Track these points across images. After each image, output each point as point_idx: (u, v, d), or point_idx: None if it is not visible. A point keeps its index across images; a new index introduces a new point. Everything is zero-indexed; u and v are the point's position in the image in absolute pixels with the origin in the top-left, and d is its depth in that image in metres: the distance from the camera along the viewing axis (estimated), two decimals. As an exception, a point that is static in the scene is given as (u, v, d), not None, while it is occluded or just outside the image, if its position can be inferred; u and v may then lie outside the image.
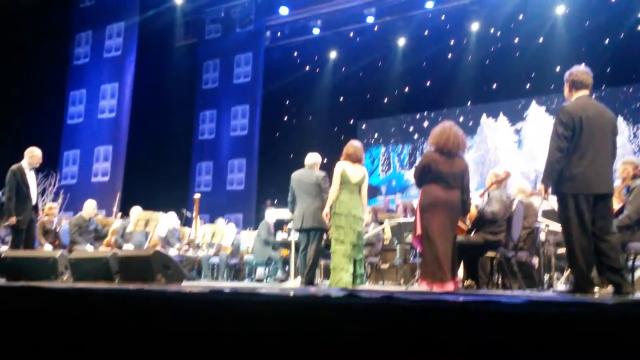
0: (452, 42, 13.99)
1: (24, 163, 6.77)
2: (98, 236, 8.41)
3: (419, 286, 4.83)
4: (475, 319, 1.38)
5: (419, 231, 4.76)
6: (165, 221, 8.58)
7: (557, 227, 5.17)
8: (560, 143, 3.86)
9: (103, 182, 13.31)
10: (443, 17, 13.78)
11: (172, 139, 14.62)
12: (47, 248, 7.78)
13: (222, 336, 1.84)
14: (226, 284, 7.35)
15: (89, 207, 8.21)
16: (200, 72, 15.57)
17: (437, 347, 1.39)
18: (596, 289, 3.78)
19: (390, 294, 2.06)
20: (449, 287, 4.51)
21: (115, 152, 13.39)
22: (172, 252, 8.57)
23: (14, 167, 6.72)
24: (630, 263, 4.37)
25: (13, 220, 6.50)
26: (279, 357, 1.75)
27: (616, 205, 4.59)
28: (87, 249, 7.80)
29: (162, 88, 14.25)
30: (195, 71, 15.60)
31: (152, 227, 7.97)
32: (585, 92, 4.05)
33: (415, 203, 8.95)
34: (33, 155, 6.80)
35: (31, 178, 6.79)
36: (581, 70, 4.10)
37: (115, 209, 10.16)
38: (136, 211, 8.34)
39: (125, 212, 9.83)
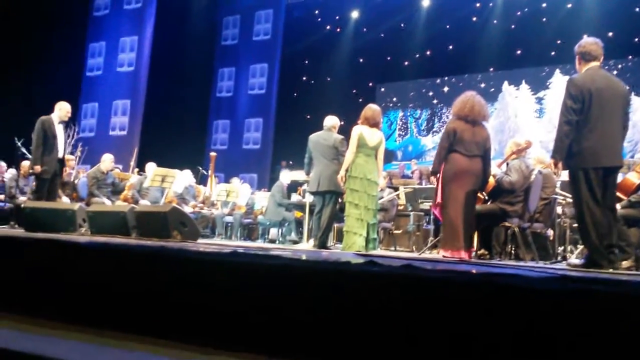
0: (478, 5, 13.64)
1: (54, 116, 6.86)
2: (115, 190, 8.49)
3: (438, 254, 4.86)
4: (497, 291, 1.38)
5: (439, 199, 4.78)
6: (182, 178, 8.63)
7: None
8: (570, 116, 3.80)
9: (121, 136, 13.38)
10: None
11: (190, 95, 14.57)
12: (65, 200, 7.89)
13: (238, 299, 1.86)
14: (239, 244, 7.42)
15: (107, 160, 8.29)
16: (220, 28, 15.40)
17: (457, 319, 1.40)
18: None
19: (407, 262, 2.06)
20: (464, 255, 4.58)
21: (133, 107, 13.42)
22: (187, 209, 8.65)
23: (43, 117, 6.78)
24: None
25: (38, 168, 6.57)
26: (296, 322, 1.76)
27: (637, 179, 4.52)
28: (105, 202, 7.89)
29: (182, 43, 14.13)
30: (215, 27, 15.43)
31: (169, 184, 8.02)
32: (595, 64, 3.96)
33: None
34: (62, 108, 6.91)
35: (59, 130, 6.86)
36: (590, 41, 4.00)
37: (132, 163, 10.24)
38: (151, 167, 8.39)
39: (142, 167, 9.90)
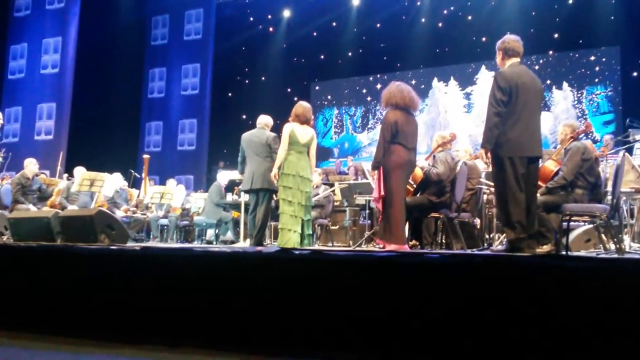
0: (406, 3, 13.95)
1: None
2: (42, 196, 8.16)
3: (375, 247, 4.91)
4: (390, 270, 1.46)
5: (382, 192, 4.82)
6: (112, 181, 8.38)
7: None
8: (499, 107, 3.99)
9: (47, 141, 12.86)
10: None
11: (119, 97, 14.14)
12: (-13, 208, 7.52)
13: (156, 290, 1.84)
14: (174, 246, 7.30)
15: (30, 164, 7.95)
16: (148, 27, 15.03)
17: (357, 293, 1.47)
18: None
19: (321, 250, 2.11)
20: (407, 248, 4.71)
21: (59, 110, 12.91)
22: (119, 213, 8.41)
23: None
24: (565, 224, 4.54)
25: None
26: (213, 308, 1.77)
27: (554, 167, 4.75)
28: (30, 209, 7.58)
29: (109, 43, 13.69)
30: (144, 26, 15.05)
31: (98, 188, 7.77)
32: (517, 60, 4.19)
33: (366, 165, 9.04)
34: None
35: None
36: (513, 38, 4.22)
37: (59, 168, 9.86)
38: (80, 171, 8.10)
39: (70, 172, 9.56)
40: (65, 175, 9.62)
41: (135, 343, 1.82)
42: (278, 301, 1.68)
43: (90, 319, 2.07)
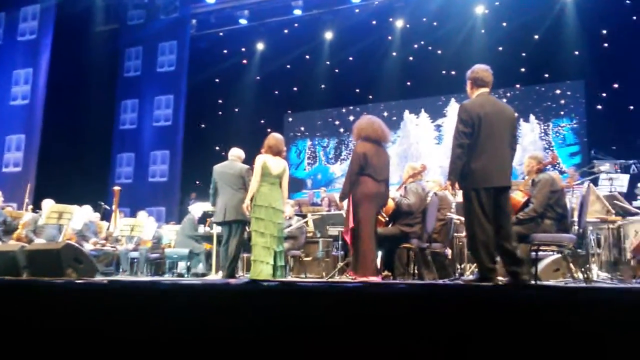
0: (377, 38, 14.23)
1: None
2: (7, 230, 7.98)
3: (351, 279, 4.90)
4: (351, 301, 1.46)
5: (351, 224, 4.84)
6: (80, 214, 8.24)
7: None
8: (461, 139, 4.04)
9: (15, 173, 12.60)
10: (369, 13, 13.97)
11: (90, 129, 13.97)
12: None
13: (122, 326, 1.81)
14: (144, 279, 7.18)
15: (-6, 197, 7.80)
16: (121, 59, 14.97)
17: (327, 324, 1.47)
18: (500, 278, 3.99)
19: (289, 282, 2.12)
20: (378, 279, 4.69)
21: (28, 141, 12.70)
22: (88, 246, 8.25)
23: None
24: (533, 254, 4.61)
25: None
26: (182, 343, 1.75)
27: (522, 198, 4.84)
28: (-5, 243, 7.39)
29: (80, 75, 13.58)
30: (117, 58, 14.99)
31: (66, 221, 7.62)
32: (485, 90, 4.23)
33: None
34: None
35: None
36: (482, 68, 4.28)
37: (26, 201, 9.66)
38: (48, 204, 7.95)
39: (38, 204, 9.38)
40: (31, 207, 9.44)
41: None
42: (249, 334, 1.67)
43: (55, 356, 2.01)
